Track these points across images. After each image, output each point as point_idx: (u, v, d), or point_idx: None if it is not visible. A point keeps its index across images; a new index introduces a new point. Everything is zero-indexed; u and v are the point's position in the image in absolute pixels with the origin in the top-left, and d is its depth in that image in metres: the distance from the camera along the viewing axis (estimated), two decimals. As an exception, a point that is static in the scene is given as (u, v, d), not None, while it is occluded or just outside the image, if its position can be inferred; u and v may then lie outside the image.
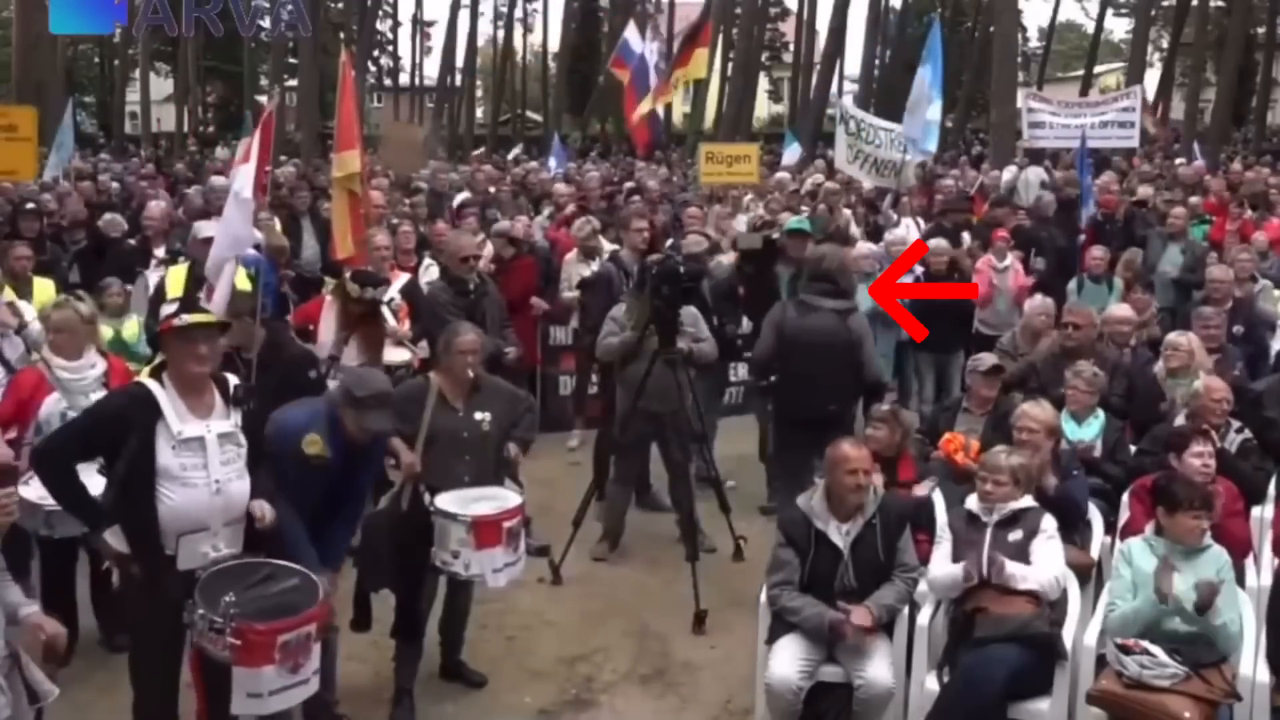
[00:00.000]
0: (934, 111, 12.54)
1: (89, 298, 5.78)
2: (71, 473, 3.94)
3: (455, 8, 45.57)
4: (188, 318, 3.99)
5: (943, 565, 4.85)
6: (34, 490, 4.73)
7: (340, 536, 4.73)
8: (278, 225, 10.24)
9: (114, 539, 3.98)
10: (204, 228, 6.85)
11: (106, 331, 6.52)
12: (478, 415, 5.22)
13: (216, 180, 11.80)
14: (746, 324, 8.38)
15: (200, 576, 3.83)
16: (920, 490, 5.62)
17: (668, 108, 25.74)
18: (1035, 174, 14.51)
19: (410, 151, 14.74)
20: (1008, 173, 15.63)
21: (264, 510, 4.09)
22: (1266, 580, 4.97)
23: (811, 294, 6.56)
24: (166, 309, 4.06)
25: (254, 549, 4.08)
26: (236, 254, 5.92)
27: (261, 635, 3.68)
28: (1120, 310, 7.47)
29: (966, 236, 10.13)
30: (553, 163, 18.25)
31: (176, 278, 7.14)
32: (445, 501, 4.89)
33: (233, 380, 4.14)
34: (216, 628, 3.67)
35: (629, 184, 14.78)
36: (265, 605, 3.76)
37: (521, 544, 5.01)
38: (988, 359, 6.51)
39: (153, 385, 3.95)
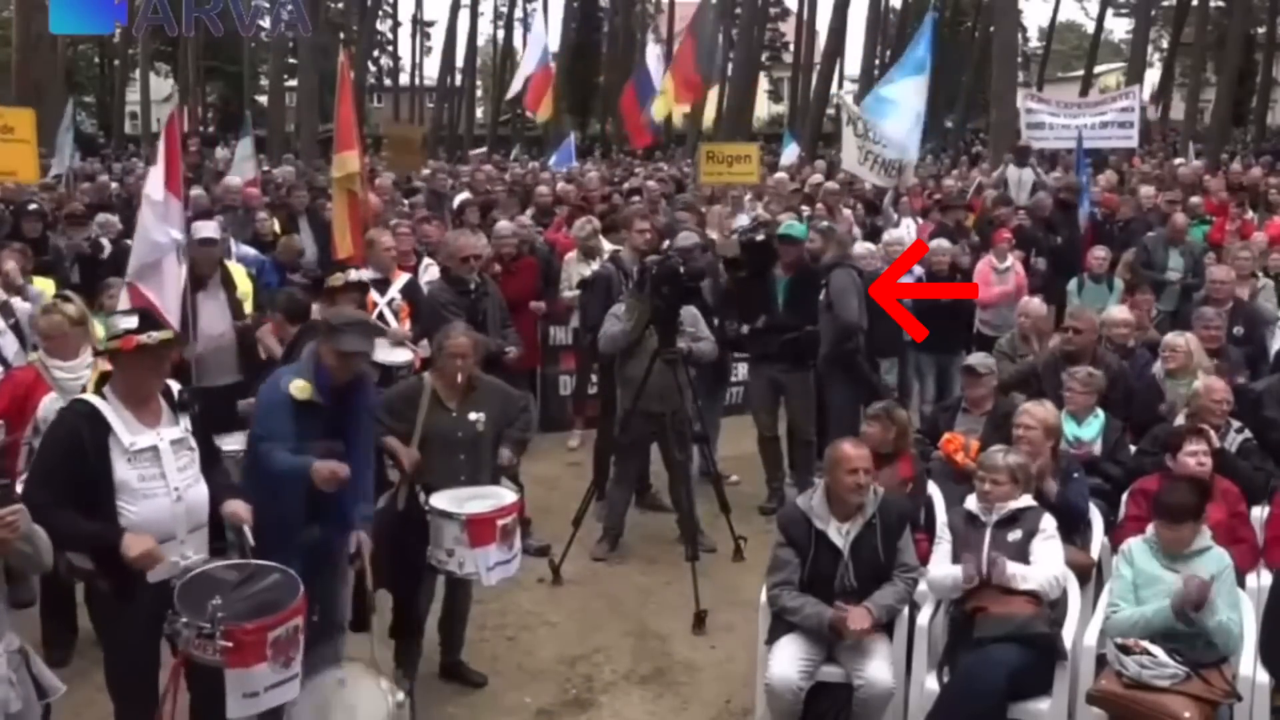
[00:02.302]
0: (892, 91, 12.40)
1: (77, 298, 5.76)
2: (62, 518, 3.77)
3: (455, 8, 45.62)
4: (158, 335, 3.90)
5: (943, 566, 4.85)
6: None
7: (355, 492, 4.63)
8: (276, 225, 10.29)
9: (78, 558, 3.92)
10: (201, 228, 6.84)
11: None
12: (472, 415, 5.22)
13: (233, 181, 11.84)
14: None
15: (175, 585, 3.78)
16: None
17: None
18: (1029, 174, 14.52)
19: (410, 151, 14.76)
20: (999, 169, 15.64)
21: (240, 513, 4.05)
22: (1266, 580, 4.96)
23: (857, 264, 7.79)
24: (123, 321, 3.97)
25: (220, 554, 4.05)
26: (161, 256, 5.90)
27: (251, 634, 3.67)
28: (1119, 312, 7.45)
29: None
30: (554, 161, 18.40)
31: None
32: (440, 500, 4.90)
33: (175, 386, 4.10)
34: (206, 634, 3.63)
35: (628, 184, 14.83)
36: (251, 605, 3.75)
37: (516, 542, 5.01)
38: (974, 360, 6.51)
39: (96, 401, 3.88)
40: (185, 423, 4.01)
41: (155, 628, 3.83)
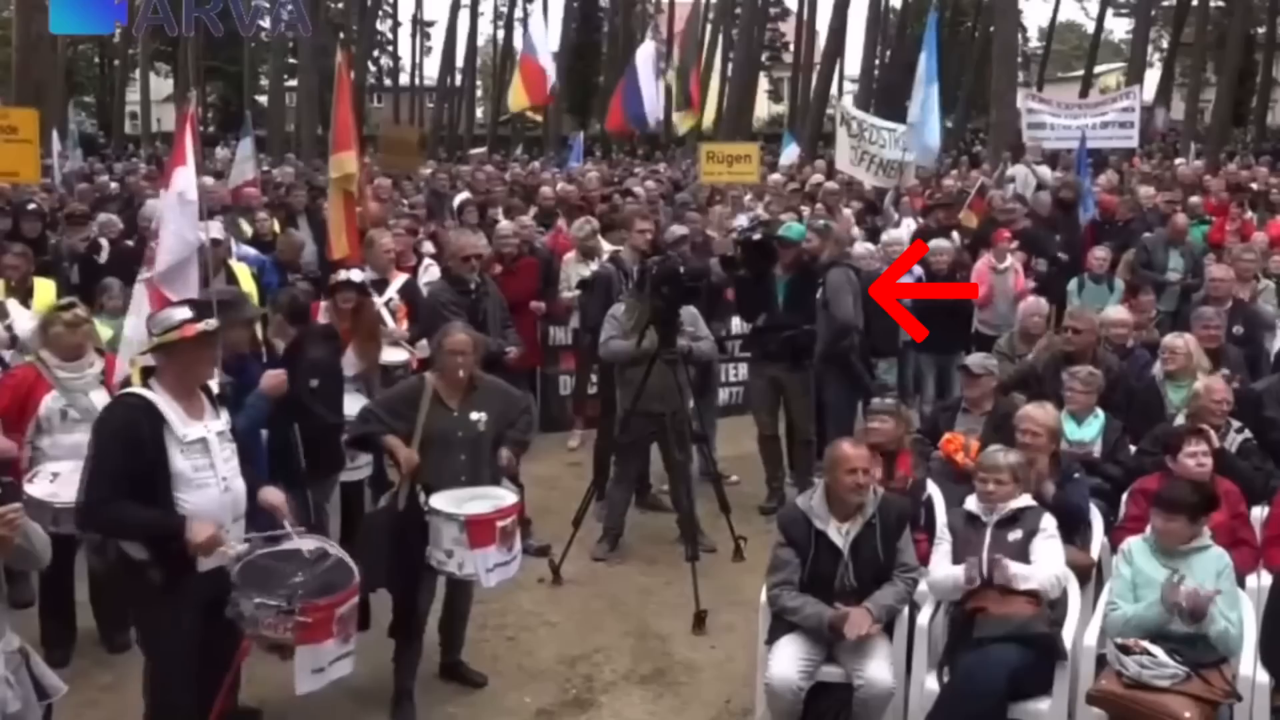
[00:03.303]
0: (921, 104, 12.60)
1: (78, 301, 5.76)
2: (125, 508, 3.87)
3: (455, 8, 45.61)
4: (213, 323, 4.04)
5: (943, 566, 4.85)
6: (39, 488, 4.76)
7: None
8: (276, 225, 10.29)
9: (132, 547, 3.97)
10: (209, 228, 6.84)
11: (106, 331, 6.53)
12: (473, 415, 5.20)
13: (207, 181, 11.80)
14: (740, 325, 8.40)
15: (233, 570, 3.91)
16: None
17: (667, 106, 26.08)
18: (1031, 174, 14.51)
19: (408, 153, 14.75)
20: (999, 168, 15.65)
21: (275, 501, 4.20)
22: (1266, 581, 4.95)
23: (855, 263, 7.91)
24: (177, 313, 4.08)
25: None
26: (189, 255, 5.92)
27: (324, 610, 3.89)
28: (1117, 312, 7.45)
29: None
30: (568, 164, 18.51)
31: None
32: (440, 501, 4.89)
33: (212, 382, 4.22)
34: (284, 610, 3.80)
35: (625, 185, 14.85)
36: (319, 584, 3.94)
37: (516, 543, 5.01)
38: (971, 360, 6.51)
39: (148, 393, 3.96)
40: (225, 416, 4.13)
41: (199, 625, 3.93)
